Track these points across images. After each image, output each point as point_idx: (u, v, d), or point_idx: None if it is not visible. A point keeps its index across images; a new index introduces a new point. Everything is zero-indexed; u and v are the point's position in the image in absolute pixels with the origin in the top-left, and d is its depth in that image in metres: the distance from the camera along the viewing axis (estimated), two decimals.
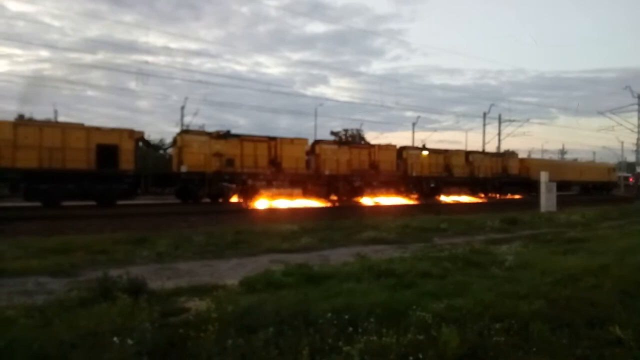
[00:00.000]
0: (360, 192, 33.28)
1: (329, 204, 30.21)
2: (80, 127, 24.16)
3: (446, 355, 4.13)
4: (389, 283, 6.57)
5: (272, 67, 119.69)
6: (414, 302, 5.37)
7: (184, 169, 26.41)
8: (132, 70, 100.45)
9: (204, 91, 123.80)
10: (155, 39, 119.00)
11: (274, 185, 29.45)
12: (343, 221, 16.53)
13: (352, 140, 57.50)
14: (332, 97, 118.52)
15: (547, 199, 25.04)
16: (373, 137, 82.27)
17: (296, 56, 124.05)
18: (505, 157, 45.27)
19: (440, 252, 9.43)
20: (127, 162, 24.33)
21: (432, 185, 37.61)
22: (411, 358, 4.02)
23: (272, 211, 25.13)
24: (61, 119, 26.88)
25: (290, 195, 29.77)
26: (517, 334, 4.76)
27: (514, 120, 55.72)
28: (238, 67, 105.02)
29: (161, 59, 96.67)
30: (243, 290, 6.42)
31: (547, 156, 68.78)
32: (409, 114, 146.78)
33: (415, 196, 36.37)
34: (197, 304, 5.66)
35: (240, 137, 29.36)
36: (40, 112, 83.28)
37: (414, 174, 36.40)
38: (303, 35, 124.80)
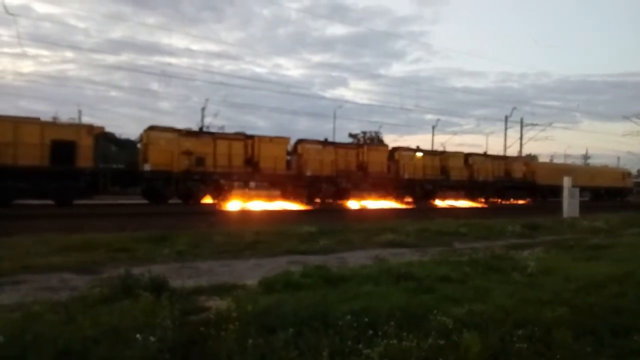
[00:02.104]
0: (346, 195, 31.65)
1: (308, 207, 28.44)
2: (33, 121, 22.90)
3: (468, 359, 4.08)
4: (408, 287, 6.52)
5: (291, 69, 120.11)
6: (434, 307, 5.32)
7: (147, 167, 25.05)
8: (154, 72, 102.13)
9: (224, 93, 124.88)
10: (177, 40, 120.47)
11: (251, 186, 28.08)
12: (361, 223, 16.48)
13: (369, 142, 57.28)
14: (351, 99, 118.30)
15: (569, 205, 24.61)
16: (392, 140, 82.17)
17: (316, 58, 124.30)
18: (509, 160, 43.43)
19: (460, 257, 9.33)
20: (84, 159, 23.00)
21: (427, 188, 35.92)
22: None
23: (242, 214, 23.42)
24: (85, 119, 27.23)
25: (268, 197, 28.29)
26: (539, 341, 4.68)
27: (536, 124, 55.03)
28: (258, 69, 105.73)
29: (183, 61, 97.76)
30: (262, 290, 6.45)
31: (569, 161, 67.45)
32: (429, 116, 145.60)
33: (408, 200, 34.83)
34: (217, 303, 5.70)
35: (213, 135, 28.08)
36: (64, 112, 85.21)
37: (407, 176, 34.71)
38: (323, 37, 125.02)
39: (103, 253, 9.31)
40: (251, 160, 28.55)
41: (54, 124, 23.52)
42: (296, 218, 20.15)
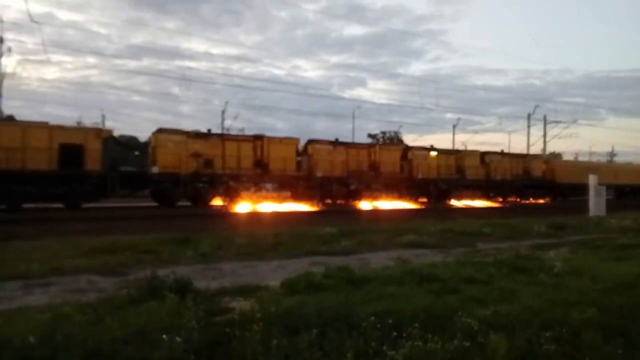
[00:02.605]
0: (358, 196, 31.13)
1: (319, 208, 28.06)
2: (42, 125, 23.02)
3: None
4: (432, 288, 6.46)
5: (309, 70, 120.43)
6: (458, 308, 5.26)
7: (155, 169, 25.03)
8: (174, 76, 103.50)
9: (244, 95, 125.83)
10: (197, 45, 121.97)
11: (260, 187, 27.78)
12: (377, 224, 16.40)
13: (389, 142, 56.97)
14: (369, 100, 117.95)
15: (596, 203, 24.09)
16: (412, 140, 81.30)
17: (334, 59, 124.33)
18: (528, 159, 42.15)
19: (484, 257, 9.21)
20: (92, 162, 23.05)
21: (442, 188, 35.06)
22: None
23: (253, 216, 23.06)
24: (108, 123, 27.68)
25: (278, 199, 27.99)
26: (568, 343, 4.59)
27: (560, 122, 53.97)
28: (276, 71, 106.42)
29: (203, 65, 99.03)
30: (284, 291, 6.47)
31: (595, 159, 65.91)
32: (450, 115, 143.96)
33: (422, 200, 34.08)
34: (241, 304, 5.74)
35: (222, 136, 27.94)
36: (88, 117, 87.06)
37: (420, 176, 33.98)
38: (341, 38, 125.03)
39: (129, 255, 9.47)
40: (260, 161, 28.38)
41: (62, 128, 23.53)
42: (308, 220, 20.00)
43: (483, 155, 38.76)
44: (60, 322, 4.67)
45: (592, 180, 24.77)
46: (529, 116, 54.14)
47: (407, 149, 35.88)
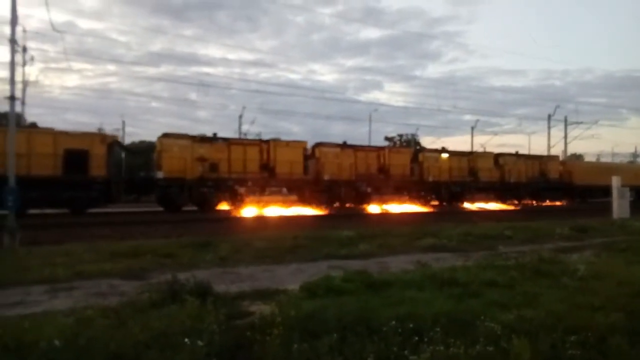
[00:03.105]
0: (367, 199, 30.53)
1: (326, 212, 27.49)
2: (47, 131, 23.08)
3: None
4: (453, 292, 6.39)
5: (325, 74, 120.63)
6: (481, 312, 5.20)
7: (160, 174, 24.81)
8: (192, 82, 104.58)
9: (260, 100, 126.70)
10: (214, 51, 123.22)
11: (267, 191, 27.36)
12: (396, 228, 16.30)
13: (406, 145, 56.62)
14: (386, 102, 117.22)
15: (619, 205, 23.62)
16: (429, 142, 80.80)
17: (350, 62, 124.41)
18: (544, 160, 40.78)
19: (506, 261, 9.07)
20: (97, 167, 22.96)
21: (454, 190, 34.24)
22: None
23: (257, 220, 22.91)
24: (128, 129, 28.02)
25: (285, 203, 27.59)
26: (593, 348, 4.50)
27: (581, 123, 52.91)
28: (292, 76, 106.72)
29: (220, 70, 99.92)
30: (304, 295, 6.46)
31: (617, 160, 64.51)
32: (468, 117, 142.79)
33: (434, 203, 33.38)
34: (260, 308, 5.76)
35: (227, 141, 27.57)
36: (108, 123, 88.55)
37: (431, 178, 33.23)
38: (357, 41, 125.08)
39: (150, 259, 9.58)
40: (267, 165, 28.04)
41: (67, 134, 23.46)
42: (317, 224, 19.77)
43: (497, 156, 37.90)
44: (83, 326, 4.74)
45: (616, 181, 24.29)
46: (549, 117, 53.21)
47: (418, 151, 35.33)
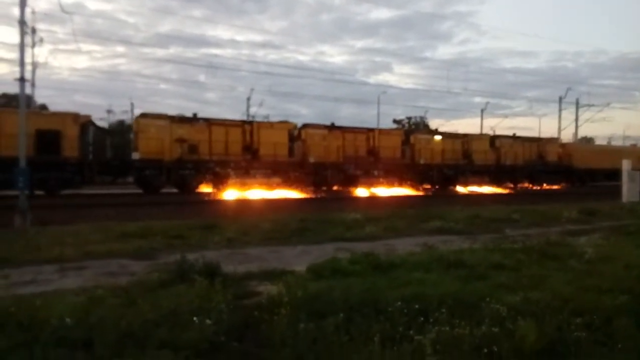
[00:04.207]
0: (355, 182, 29.86)
1: (312, 195, 26.86)
2: (16, 111, 21.40)
3: (523, 348, 3.99)
4: (460, 274, 6.42)
5: (335, 55, 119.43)
6: (487, 294, 5.22)
7: (135, 156, 24.13)
8: (201, 64, 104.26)
9: (269, 82, 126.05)
10: (222, 32, 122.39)
11: (250, 174, 26.72)
12: (407, 210, 16.29)
13: (414, 128, 56.29)
14: (395, 85, 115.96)
15: (629, 189, 23.40)
16: (438, 125, 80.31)
17: (359, 44, 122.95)
18: (542, 142, 39.65)
19: (513, 244, 9.08)
20: (70, 148, 22.22)
21: (447, 174, 33.48)
22: (486, 350, 3.92)
23: (238, 203, 22.29)
24: (137, 111, 27.74)
25: (269, 186, 27.00)
26: (599, 330, 4.52)
27: (592, 105, 52.25)
28: (301, 57, 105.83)
29: (228, 52, 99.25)
30: (310, 276, 6.52)
31: (628, 142, 63.63)
32: (478, 99, 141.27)
33: (426, 187, 32.77)
34: (267, 288, 5.82)
35: (208, 121, 26.82)
36: (117, 105, 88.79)
37: (423, 161, 32.50)
38: (367, 22, 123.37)
39: (159, 240, 9.69)
40: (250, 146, 27.34)
41: (38, 113, 22.86)
42: (299, 207, 19.32)
43: (493, 139, 37.14)
44: (94, 305, 4.82)
45: (626, 164, 24.06)
46: (560, 99, 52.60)
47: (409, 132, 34.59)
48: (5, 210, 13.95)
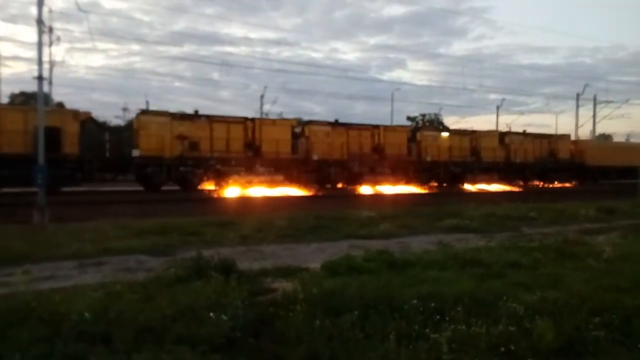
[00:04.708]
0: (360, 180, 29.48)
1: (315, 193, 26.58)
2: (16, 108, 22.46)
3: (541, 347, 3.95)
4: (476, 272, 6.38)
5: (348, 52, 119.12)
6: (503, 293, 5.18)
7: (136, 153, 23.95)
8: (215, 62, 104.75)
9: (282, 79, 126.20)
10: (236, 30, 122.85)
11: (252, 171, 26.49)
12: (421, 208, 16.22)
13: (428, 125, 55.84)
14: (409, 81, 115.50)
15: None
16: (453, 122, 79.74)
17: (373, 40, 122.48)
18: (554, 139, 38.65)
19: (529, 242, 8.99)
20: (70, 145, 22.26)
21: (454, 171, 32.86)
22: (503, 349, 3.90)
23: (238, 201, 22.28)
24: (152, 109, 27.80)
25: (271, 183, 26.73)
26: (618, 329, 4.45)
27: (611, 102, 51.33)
28: (315, 54, 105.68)
29: (242, 50, 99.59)
30: (325, 273, 6.53)
31: None
32: (493, 96, 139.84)
33: (433, 184, 32.25)
34: (282, 285, 5.85)
35: (209, 118, 26.55)
36: (133, 103, 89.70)
37: (429, 158, 31.81)
38: (380, 18, 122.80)
39: (175, 236, 9.79)
40: (252, 144, 27.06)
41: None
42: (304, 205, 19.15)
43: (503, 135, 36.38)
44: (112, 300, 4.89)
45: None
46: (577, 96, 51.79)
47: (416, 129, 34.09)
48: (21, 208, 14.25)
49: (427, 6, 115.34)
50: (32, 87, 38.89)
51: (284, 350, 3.81)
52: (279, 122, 28.87)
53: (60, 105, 38.01)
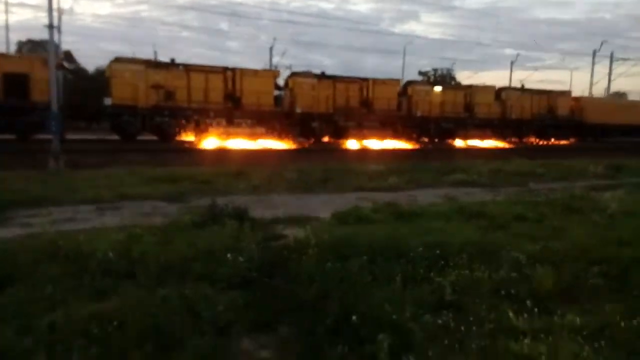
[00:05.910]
0: (346, 134, 28.90)
1: (296, 146, 26.14)
2: None
3: (540, 292, 4.16)
4: (481, 224, 6.56)
5: (359, 3, 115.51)
6: (507, 243, 5.38)
7: (108, 101, 23.17)
8: (223, 12, 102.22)
9: (292, 31, 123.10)
10: None
11: (232, 123, 26.00)
12: (430, 163, 16.31)
13: (441, 79, 54.87)
14: (422, 35, 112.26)
15: None
16: (466, 77, 78.29)
17: None
18: (553, 95, 37.34)
19: (536, 197, 9.13)
20: (39, 92, 21.29)
21: (446, 127, 32.17)
22: (503, 292, 4.12)
23: (211, 153, 21.54)
24: (160, 59, 27.32)
25: (251, 136, 26.17)
26: (615, 279, 4.65)
27: (628, 59, 50.02)
28: (325, 5, 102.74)
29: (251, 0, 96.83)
30: (335, 222, 6.77)
31: None
32: (508, 51, 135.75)
33: (424, 140, 31.56)
34: (294, 232, 6.07)
35: (187, 67, 25.66)
36: (140, 52, 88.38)
37: (420, 113, 30.94)
38: None
39: (187, 184, 10.04)
40: (232, 95, 26.24)
41: (5, 56, 22.25)
42: (280, 160, 18.44)
43: (499, 91, 35.29)
44: (134, 241, 5.15)
45: None
46: (594, 53, 50.45)
47: (407, 83, 32.94)
48: (34, 154, 14.54)
49: None
50: (39, 35, 38.46)
51: (297, 289, 4.05)
52: (261, 73, 27.87)
53: (68, 53, 37.62)
